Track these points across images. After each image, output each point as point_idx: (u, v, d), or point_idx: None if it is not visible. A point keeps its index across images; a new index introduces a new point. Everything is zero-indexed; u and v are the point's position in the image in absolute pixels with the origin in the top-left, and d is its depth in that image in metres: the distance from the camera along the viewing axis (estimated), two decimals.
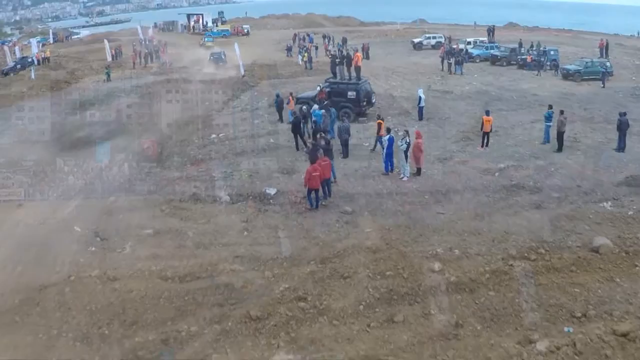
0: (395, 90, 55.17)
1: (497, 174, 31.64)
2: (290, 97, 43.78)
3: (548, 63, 66.28)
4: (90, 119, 50.37)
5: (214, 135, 41.09)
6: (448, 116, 44.61)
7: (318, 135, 32.76)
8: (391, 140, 31.16)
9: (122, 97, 60.39)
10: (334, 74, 46.45)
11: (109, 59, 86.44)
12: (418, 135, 31.23)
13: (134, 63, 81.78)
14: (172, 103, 54.20)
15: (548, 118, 37.18)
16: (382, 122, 35.67)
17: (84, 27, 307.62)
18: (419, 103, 43.06)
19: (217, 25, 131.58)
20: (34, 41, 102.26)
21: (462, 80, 61.11)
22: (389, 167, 31.66)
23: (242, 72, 65.34)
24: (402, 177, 30.82)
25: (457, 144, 37.47)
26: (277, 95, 45.16)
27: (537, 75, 63.74)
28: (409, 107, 47.40)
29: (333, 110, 39.33)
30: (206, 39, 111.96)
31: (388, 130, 32.23)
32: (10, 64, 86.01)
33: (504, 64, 71.05)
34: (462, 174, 31.61)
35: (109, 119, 49.89)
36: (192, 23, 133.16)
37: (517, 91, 54.80)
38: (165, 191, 30.58)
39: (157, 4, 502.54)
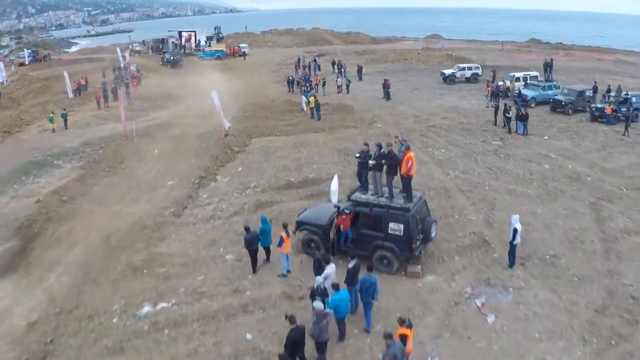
0: (446, 171, 36.11)
1: None
2: (284, 235, 22.91)
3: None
4: None
5: (146, 308, 21.58)
6: (553, 253, 25.15)
7: None
8: None
9: (60, 167, 42.59)
10: (363, 183, 25.03)
11: (70, 94, 67.54)
12: None
13: (97, 102, 62.62)
14: (113, 188, 36.56)
15: None
16: (408, 331, 16.19)
17: (85, 36, 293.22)
18: (513, 238, 23.44)
19: (209, 45, 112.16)
20: None
21: (531, 146, 41.76)
22: None
23: (226, 127, 46.00)
24: None
25: (604, 355, 18.32)
26: (247, 230, 23.96)
27: (624, 135, 44.71)
28: (479, 221, 28.22)
29: (372, 279, 19.35)
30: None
31: None
32: None
33: (570, 111, 51.89)
34: None
35: (15, 223, 31.97)
36: (183, 41, 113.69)
37: (619, 174, 35.80)
38: None
39: (162, 13, 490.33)
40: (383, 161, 23.12)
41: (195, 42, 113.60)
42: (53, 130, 53.50)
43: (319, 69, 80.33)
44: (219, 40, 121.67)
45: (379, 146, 23.59)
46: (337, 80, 66.15)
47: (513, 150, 40.66)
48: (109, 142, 47.45)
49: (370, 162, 23.41)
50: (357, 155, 24.37)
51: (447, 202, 30.66)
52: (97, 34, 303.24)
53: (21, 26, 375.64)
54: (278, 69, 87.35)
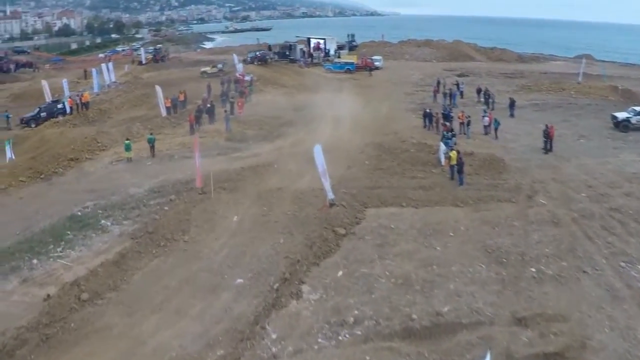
0: None
1: None
2: None
3: None
4: None
5: None
6: None
7: None
8: None
9: (105, 232, 32.07)
10: None
11: (163, 112, 56.70)
12: None
13: (191, 126, 51.35)
14: (159, 281, 25.43)
15: None
16: None
17: (223, 32, 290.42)
18: None
19: (339, 55, 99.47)
20: (94, 74, 74.51)
21: None
22: None
23: (330, 196, 33.06)
24: None
25: None
26: None
27: None
28: None
29: None
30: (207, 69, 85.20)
31: None
32: (34, 110, 58.60)
33: None
34: None
35: None
36: (311, 49, 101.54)
37: None
38: None
39: (303, 12, 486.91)
40: None
41: (324, 50, 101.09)
42: (129, 159, 43.21)
43: (462, 96, 66.30)
44: (352, 49, 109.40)
45: None
46: (483, 118, 51.83)
47: None
48: (182, 191, 36.05)
49: None
50: None
51: None
52: (235, 31, 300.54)
53: (163, 18, 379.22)
54: (414, 92, 73.25)
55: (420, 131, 51.35)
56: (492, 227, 30.03)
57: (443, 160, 40.05)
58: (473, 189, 35.67)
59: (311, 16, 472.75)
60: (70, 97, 62.43)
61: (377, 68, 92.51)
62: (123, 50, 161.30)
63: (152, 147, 44.92)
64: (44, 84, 65.16)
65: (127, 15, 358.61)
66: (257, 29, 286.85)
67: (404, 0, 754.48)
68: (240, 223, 31.14)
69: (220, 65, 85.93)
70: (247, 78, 72.90)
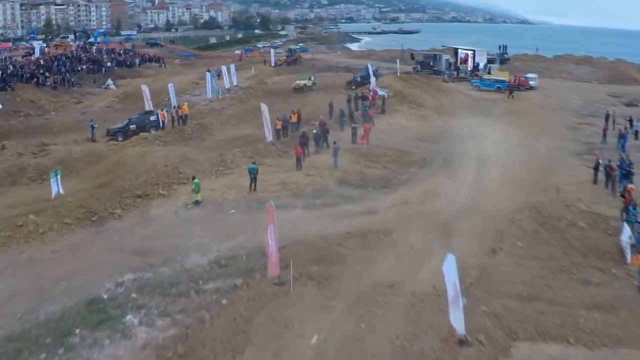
0: None
1: None
2: None
3: None
4: None
5: None
6: None
7: None
8: None
9: (124, 337, 21.31)
10: None
11: (269, 137, 45.94)
12: None
13: (297, 159, 40.07)
14: None
15: None
16: None
17: (370, 33, 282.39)
18: None
19: (489, 71, 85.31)
20: (208, 79, 65.53)
21: None
22: None
23: (460, 332, 20.39)
24: None
25: None
26: None
27: None
28: None
29: None
30: None
31: None
32: (124, 120, 49.83)
33: None
34: None
35: None
36: (458, 61, 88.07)
37: None
38: None
39: (452, 17, 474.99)
40: None
41: (473, 64, 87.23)
42: (196, 202, 32.97)
43: (636, 137, 50.92)
44: (502, 62, 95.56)
45: None
46: None
47: None
48: (255, 270, 25.14)
49: None
50: None
51: None
52: (382, 32, 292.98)
53: (312, 16, 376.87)
54: (576, 125, 57.08)
55: (589, 189, 37.29)
56: None
57: (629, 254, 26.74)
58: None
59: (460, 21, 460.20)
60: (162, 110, 53.05)
61: (531, 88, 78.06)
62: (264, 47, 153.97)
63: (254, 180, 35.09)
64: (144, 88, 56.56)
65: (277, 10, 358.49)
66: (404, 32, 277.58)
67: (556, 9, 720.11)
68: (320, 349, 19.72)
69: (313, 78, 74.55)
70: (381, 93, 60.93)
